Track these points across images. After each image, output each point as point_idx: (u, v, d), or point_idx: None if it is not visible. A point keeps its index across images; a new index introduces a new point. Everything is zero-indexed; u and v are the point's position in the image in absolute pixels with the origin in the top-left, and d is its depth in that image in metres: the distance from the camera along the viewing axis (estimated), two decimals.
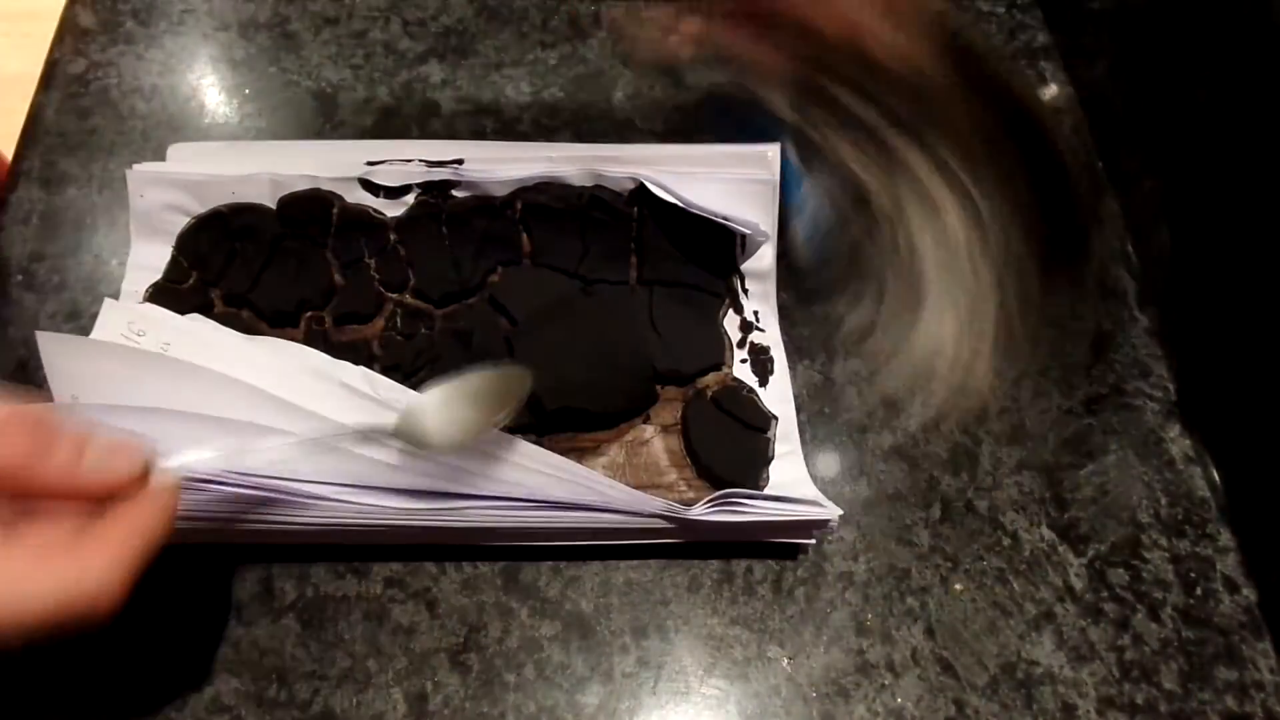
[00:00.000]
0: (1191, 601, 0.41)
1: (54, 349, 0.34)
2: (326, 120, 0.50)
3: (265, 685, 0.36)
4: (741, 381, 0.43)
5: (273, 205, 0.42)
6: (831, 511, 0.37)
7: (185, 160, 0.44)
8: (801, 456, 0.41)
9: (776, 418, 0.42)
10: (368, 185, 0.43)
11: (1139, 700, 0.38)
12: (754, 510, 0.36)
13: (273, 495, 0.33)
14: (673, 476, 0.40)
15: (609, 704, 0.36)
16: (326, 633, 0.37)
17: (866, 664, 0.38)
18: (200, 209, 0.42)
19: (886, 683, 0.38)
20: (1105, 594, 0.41)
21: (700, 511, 0.36)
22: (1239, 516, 0.43)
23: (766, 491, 0.39)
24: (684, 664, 0.37)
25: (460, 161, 0.43)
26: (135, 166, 0.42)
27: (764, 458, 0.40)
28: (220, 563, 0.37)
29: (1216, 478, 0.44)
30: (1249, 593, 0.41)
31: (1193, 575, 0.42)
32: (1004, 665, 0.39)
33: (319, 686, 0.36)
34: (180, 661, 0.36)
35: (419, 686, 0.36)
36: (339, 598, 0.37)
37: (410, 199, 0.43)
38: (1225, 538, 0.43)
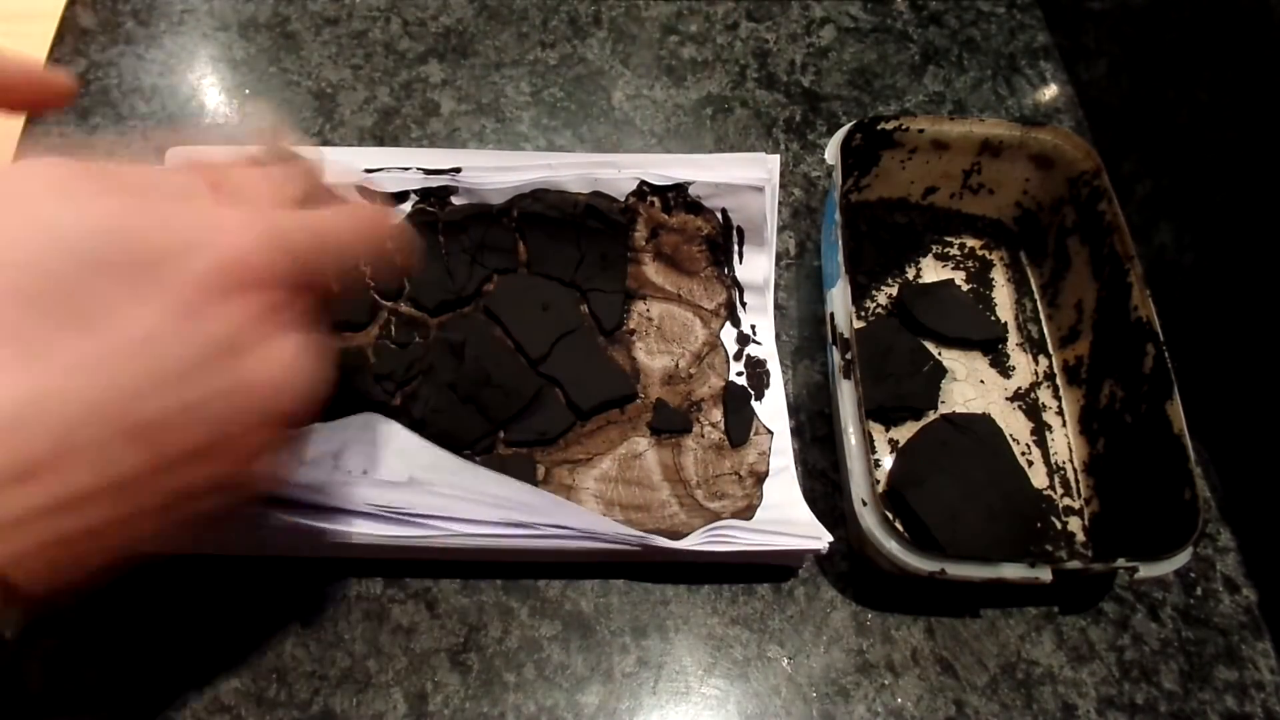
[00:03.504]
0: (1191, 601, 0.41)
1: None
2: (326, 120, 0.50)
3: (265, 685, 0.36)
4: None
5: None
6: (822, 540, 0.36)
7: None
8: (794, 473, 0.41)
9: (772, 432, 0.42)
10: (365, 192, 0.43)
11: (1139, 700, 0.38)
12: (745, 541, 0.36)
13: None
14: (665, 492, 0.40)
15: (609, 704, 0.36)
16: (326, 633, 0.37)
17: (866, 664, 0.38)
18: None
19: (886, 683, 0.38)
20: (1105, 593, 0.41)
21: (690, 543, 0.36)
22: (1239, 516, 0.43)
23: (761, 509, 0.39)
24: (684, 664, 0.37)
25: (458, 170, 0.43)
26: None
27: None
28: (219, 563, 0.37)
29: (1216, 478, 0.44)
30: (1249, 593, 0.42)
31: (1193, 575, 0.42)
32: (1004, 665, 0.39)
33: (319, 686, 0.36)
34: (180, 661, 0.36)
35: (419, 686, 0.36)
36: (339, 598, 0.38)
37: (408, 206, 0.43)
38: (1225, 538, 0.43)
